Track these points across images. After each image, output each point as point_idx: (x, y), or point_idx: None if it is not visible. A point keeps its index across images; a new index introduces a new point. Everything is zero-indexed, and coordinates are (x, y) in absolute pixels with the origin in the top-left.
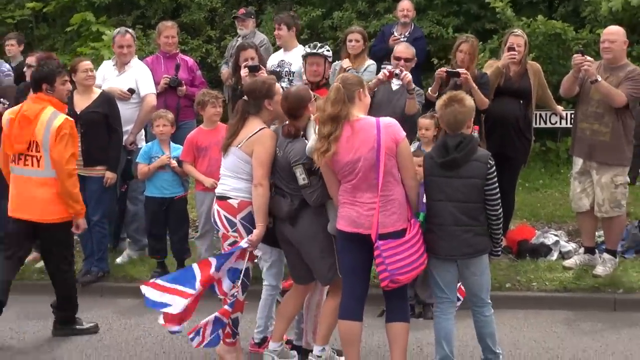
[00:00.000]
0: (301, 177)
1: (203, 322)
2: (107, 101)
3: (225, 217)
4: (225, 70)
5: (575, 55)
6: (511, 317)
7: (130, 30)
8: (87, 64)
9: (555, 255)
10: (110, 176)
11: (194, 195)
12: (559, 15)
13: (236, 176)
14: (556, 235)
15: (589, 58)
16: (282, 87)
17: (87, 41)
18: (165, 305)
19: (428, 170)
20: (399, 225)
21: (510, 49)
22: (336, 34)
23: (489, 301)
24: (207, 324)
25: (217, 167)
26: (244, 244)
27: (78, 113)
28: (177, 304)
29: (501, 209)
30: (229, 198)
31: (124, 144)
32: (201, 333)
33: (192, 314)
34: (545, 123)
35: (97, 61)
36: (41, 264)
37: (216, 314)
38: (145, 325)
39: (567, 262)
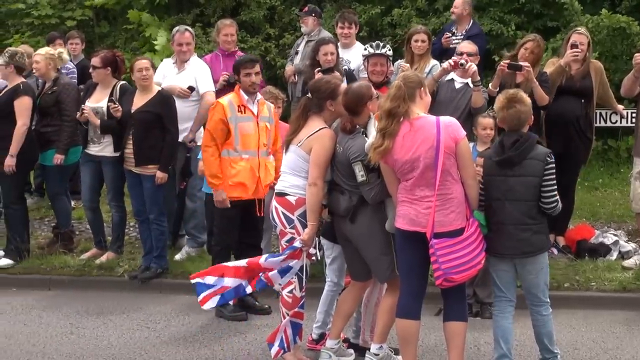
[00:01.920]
0: (360, 173)
1: (281, 328)
2: (163, 100)
3: (283, 213)
4: (288, 68)
5: (636, 55)
6: (570, 317)
7: (189, 28)
8: (143, 62)
9: (614, 255)
10: (160, 176)
11: None
12: (623, 9)
13: (295, 174)
14: (616, 235)
15: None
16: None
17: (145, 43)
18: (210, 286)
19: (486, 169)
20: (457, 224)
21: (574, 46)
22: (395, 31)
23: (547, 300)
24: (287, 330)
25: (277, 165)
26: (297, 243)
27: (132, 112)
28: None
29: (556, 207)
30: (287, 195)
31: (182, 140)
32: (284, 340)
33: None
34: (606, 122)
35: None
36: (101, 260)
37: (289, 318)
38: (203, 322)
39: (627, 262)
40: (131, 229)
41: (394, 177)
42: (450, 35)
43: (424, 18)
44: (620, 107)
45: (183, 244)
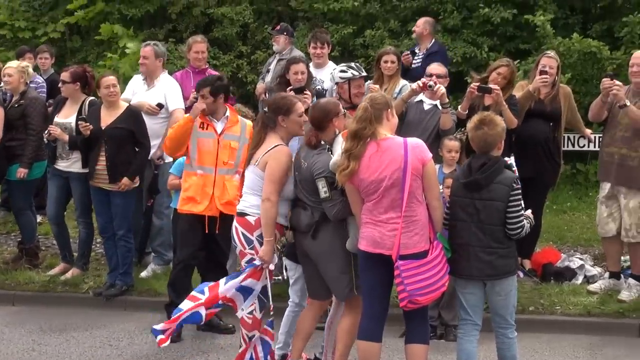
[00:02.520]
0: (323, 189)
1: (250, 345)
2: (133, 116)
3: (242, 234)
4: (259, 85)
5: (604, 80)
6: (534, 341)
7: (153, 43)
8: (110, 79)
9: (580, 280)
10: (126, 183)
11: None
12: (594, 34)
13: (254, 193)
14: (582, 259)
15: (617, 82)
16: None
17: (116, 54)
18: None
19: (453, 190)
20: (420, 246)
21: (543, 72)
22: (367, 52)
23: (513, 323)
24: (257, 347)
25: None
26: (257, 261)
27: (103, 128)
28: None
29: (521, 233)
30: (247, 215)
31: (150, 158)
32: (254, 357)
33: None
34: (574, 146)
35: (118, 75)
36: (66, 276)
37: (259, 335)
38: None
39: (592, 287)
40: (97, 245)
41: (358, 197)
42: (408, 53)
43: (397, 39)
44: (588, 131)
45: (149, 261)
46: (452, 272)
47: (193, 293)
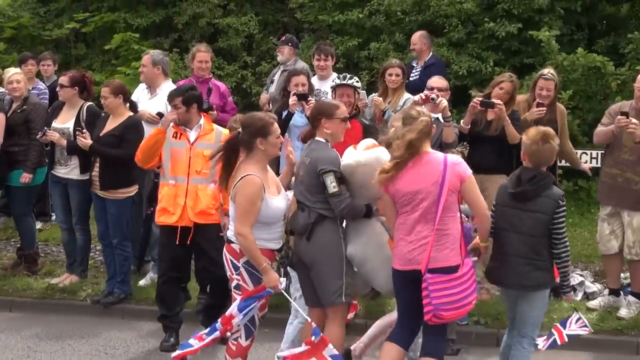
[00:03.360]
0: (332, 184)
1: None
2: (129, 125)
3: (230, 260)
4: (264, 96)
5: (619, 117)
6: (533, 357)
7: (156, 52)
8: (104, 90)
9: (579, 296)
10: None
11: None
12: (598, 49)
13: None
14: (582, 276)
15: (634, 120)
16: None
17: (127, 61)
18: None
19: (499, 199)
20: (451, 261)
21: (540, 104)
22: (372, 64)
23: (532, 336)
24: None
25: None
26: (270, 289)
27: (100, 136)
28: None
29: (567, 249)
30: (233, 242)
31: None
32: None
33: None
34: None
35: (136, 81)
36: (64, 283)
37: None
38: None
39: (591, 303)
40: (97, 252)
41: (394, 209)
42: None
43: (401, 52)
44: (585, 166)
45: (148, 269)
46: (488, 279)
47: (205, 337)
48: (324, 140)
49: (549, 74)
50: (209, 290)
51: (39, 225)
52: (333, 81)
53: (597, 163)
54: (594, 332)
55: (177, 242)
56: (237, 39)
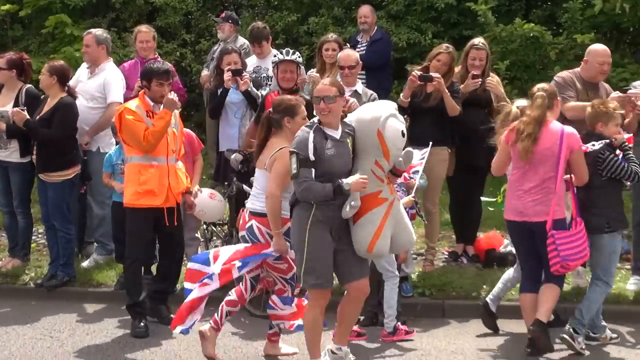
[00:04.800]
0: (293, 166)
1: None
2: (60, 107)
3: (267, 232)
4: (204, 74)
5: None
6: (480, 327)
7: (95, 30)
8: (43, 68)
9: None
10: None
11: None
12: (535, 20)
13: None
14: None
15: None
16: (261, 94)
17: (62, 44)
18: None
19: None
20: (559, 214)
21: (475, 76)
22: (312, 39)
23: (604, 279)
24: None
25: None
26: (274, 253)
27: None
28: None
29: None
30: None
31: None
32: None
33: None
34: None
35: (73, 64)
36: (6, 267)
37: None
38: (109, 331)
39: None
40: (39, 236)
41: (507, 162)
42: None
43: (341, 27)
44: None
45: (91, 251)
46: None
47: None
48: None
49: (480, 44)
50: (161, 274)
51: None
52: (275, 56)
53: None
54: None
55: (166, 224)
56: (175, 17)
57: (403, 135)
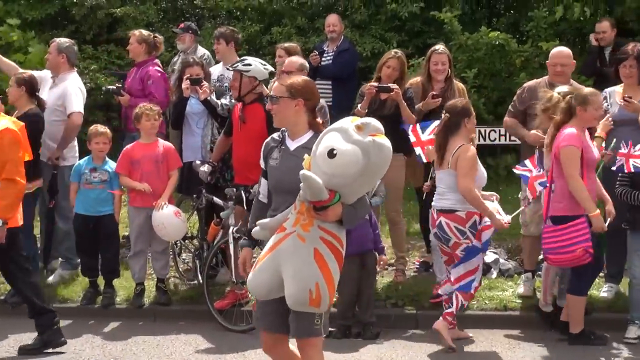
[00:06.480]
0: None
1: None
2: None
3: (455, 227)
4: None
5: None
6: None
7: (63, 40)
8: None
9: (495, 274)
10: None
11: (127, 212)
12: (500, 28)
13: (456, 191)
14: (496, 253)
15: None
16: (223, 104)
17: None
18: None
19: None
20: (559, 212)
21: (435, 96)
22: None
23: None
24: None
25: (149, 180)
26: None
27: None
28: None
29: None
30: (457, 211)
31: (47, 158)
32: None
33: None
34: (485, 140)
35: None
36: None
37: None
38: (76, 348)
39: (522, 291)
40: None
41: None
42: (316, 53)
43: (304, 36)
44: None
45: (56, 266)
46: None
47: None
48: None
49: (441, 49)
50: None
51: None
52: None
53: (505, 140)
54: (511, 309)
55: None
56: (136, 28)
57: (330, 155)
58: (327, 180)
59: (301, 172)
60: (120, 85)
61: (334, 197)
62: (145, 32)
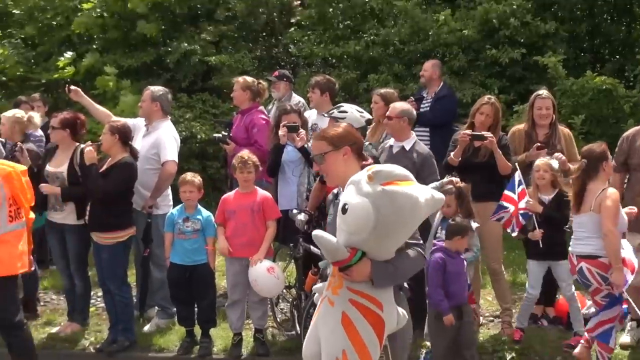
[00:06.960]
0: None
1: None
2: (117, 167)
3: (597, 273)
4: None
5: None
6: None
7: (157, 88)
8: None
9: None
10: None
11: (225, 260)
12: (606, 73)
13: (600, 237)
14: None
15: None
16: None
17: (110, 101)
18: None
19: None
20: None
21: (540, 147)
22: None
23: None
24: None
25: (245, 230)
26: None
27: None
28: None
29: None
30: (601, 257)
31: (141, 207)
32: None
33: None
34: None
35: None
36: (65, 332)
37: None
38: None
39: (623, 340)
40: (98, 299)
41: None
42: (413, 100)
43: (402, 83)
44: None
45: (152, 314)
46: None
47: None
48: None
49: (544, 93)
50: None
51: (39, 272)
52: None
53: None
54: None
55: None
56: (231, 76)
57: (343, 211)
58: (346, 238)
59: (313, 232)
60: (226, 134)
61: (355, 255)
62: (249, 79)
